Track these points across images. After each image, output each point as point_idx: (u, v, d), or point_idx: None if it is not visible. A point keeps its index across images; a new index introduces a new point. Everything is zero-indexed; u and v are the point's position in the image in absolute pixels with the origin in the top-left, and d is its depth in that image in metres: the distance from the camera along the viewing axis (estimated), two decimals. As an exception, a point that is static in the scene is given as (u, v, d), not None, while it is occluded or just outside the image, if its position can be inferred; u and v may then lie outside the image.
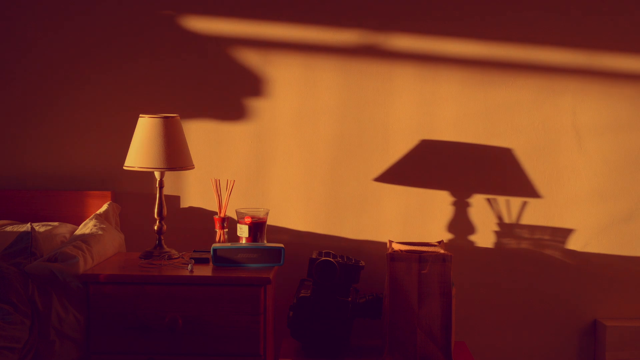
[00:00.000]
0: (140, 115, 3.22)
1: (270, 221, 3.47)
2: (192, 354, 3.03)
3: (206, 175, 3.48)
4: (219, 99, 3.48)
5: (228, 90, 3.48)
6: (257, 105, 3.48)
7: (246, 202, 3.48)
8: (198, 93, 3.48)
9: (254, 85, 3.47)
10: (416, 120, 3.47)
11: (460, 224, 3.49)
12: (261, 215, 3.31)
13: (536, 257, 3.50)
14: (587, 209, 3.49)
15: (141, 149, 3.18)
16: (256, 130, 3.48)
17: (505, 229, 3.49)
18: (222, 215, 3.35)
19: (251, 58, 3.46)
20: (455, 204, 3.49)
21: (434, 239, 3.48)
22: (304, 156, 3.49)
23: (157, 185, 3.26)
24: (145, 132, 3.18)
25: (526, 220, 3.49)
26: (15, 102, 3.50)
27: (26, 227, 3.15)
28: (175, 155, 3.19)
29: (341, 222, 3.51)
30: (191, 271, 3.09)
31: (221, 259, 3.15)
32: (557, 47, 3.45)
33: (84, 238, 3.17)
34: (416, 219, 3.49)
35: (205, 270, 3.12)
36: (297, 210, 3.51)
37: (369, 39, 3.45)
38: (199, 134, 3.48)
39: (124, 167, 3.23)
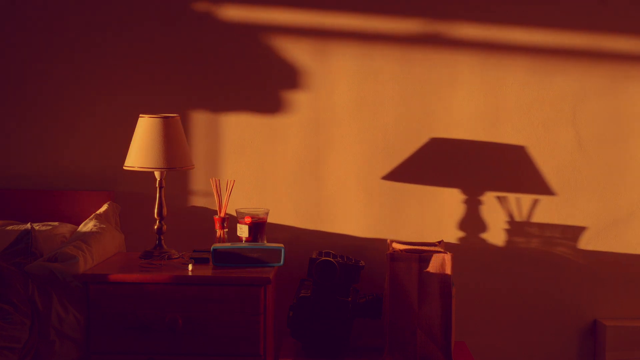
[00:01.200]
0: (140, 115, 3.22)
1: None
2: (192, 354, 3.03)
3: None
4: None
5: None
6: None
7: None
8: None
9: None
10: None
11: (462, 222, 3.49)
12: (261, 215, 3.31)
13: (536, 257, 3.49)
14: (587, 208, 3.49)
15: (141, 149, 3.18)
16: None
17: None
18: (222, 215, 3.35)
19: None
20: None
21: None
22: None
23: (157, 185, 3.26)
24: (145, 132, 3.18)
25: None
26: (15, 102, 3.50)
27: (26, 227, 3.15)
28: (175, 155, 3.19)
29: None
30: (191, 271, 3.10)
31: (221, 259, 3.15)
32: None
33: (84, 238, 3.17)
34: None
35: (205, 270, 3.12)
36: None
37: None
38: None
39: (124, 167, 3.23)
